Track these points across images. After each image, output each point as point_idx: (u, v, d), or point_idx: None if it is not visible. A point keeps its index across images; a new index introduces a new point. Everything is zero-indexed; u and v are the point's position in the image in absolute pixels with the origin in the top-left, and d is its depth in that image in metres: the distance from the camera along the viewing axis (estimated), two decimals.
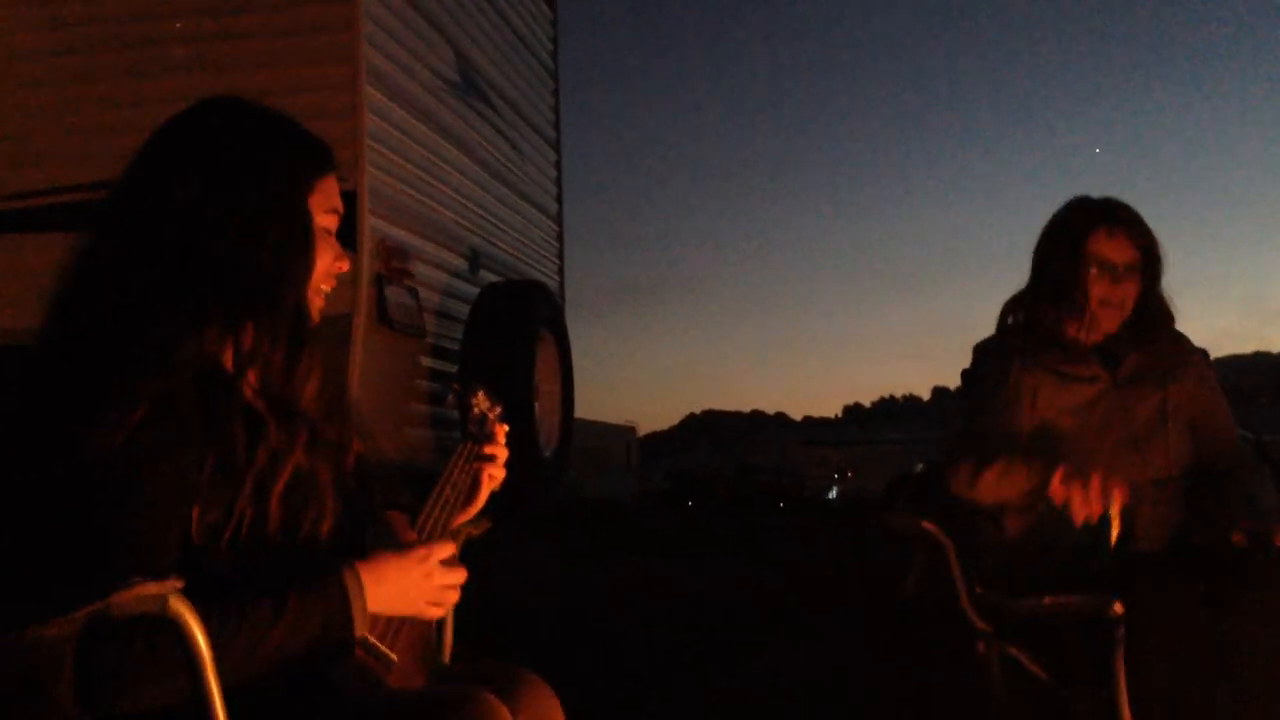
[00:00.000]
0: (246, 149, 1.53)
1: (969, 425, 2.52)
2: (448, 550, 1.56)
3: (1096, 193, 2.58)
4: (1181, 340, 2.60)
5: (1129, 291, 2.51)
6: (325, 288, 1.61)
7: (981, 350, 2.64)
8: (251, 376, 1.51)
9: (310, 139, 1.60)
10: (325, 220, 1.58)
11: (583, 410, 9.42)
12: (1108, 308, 2.50)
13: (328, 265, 1.60)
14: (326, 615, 1.40)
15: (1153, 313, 2.55)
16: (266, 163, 1.53)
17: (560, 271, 8.69)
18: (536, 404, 6.38)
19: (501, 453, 1.85)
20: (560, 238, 8.75)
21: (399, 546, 1.56)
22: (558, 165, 8.79)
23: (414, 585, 1.51)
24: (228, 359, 1.49)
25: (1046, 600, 2.32)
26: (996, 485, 2.37)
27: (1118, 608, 2.19)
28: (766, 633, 4.50)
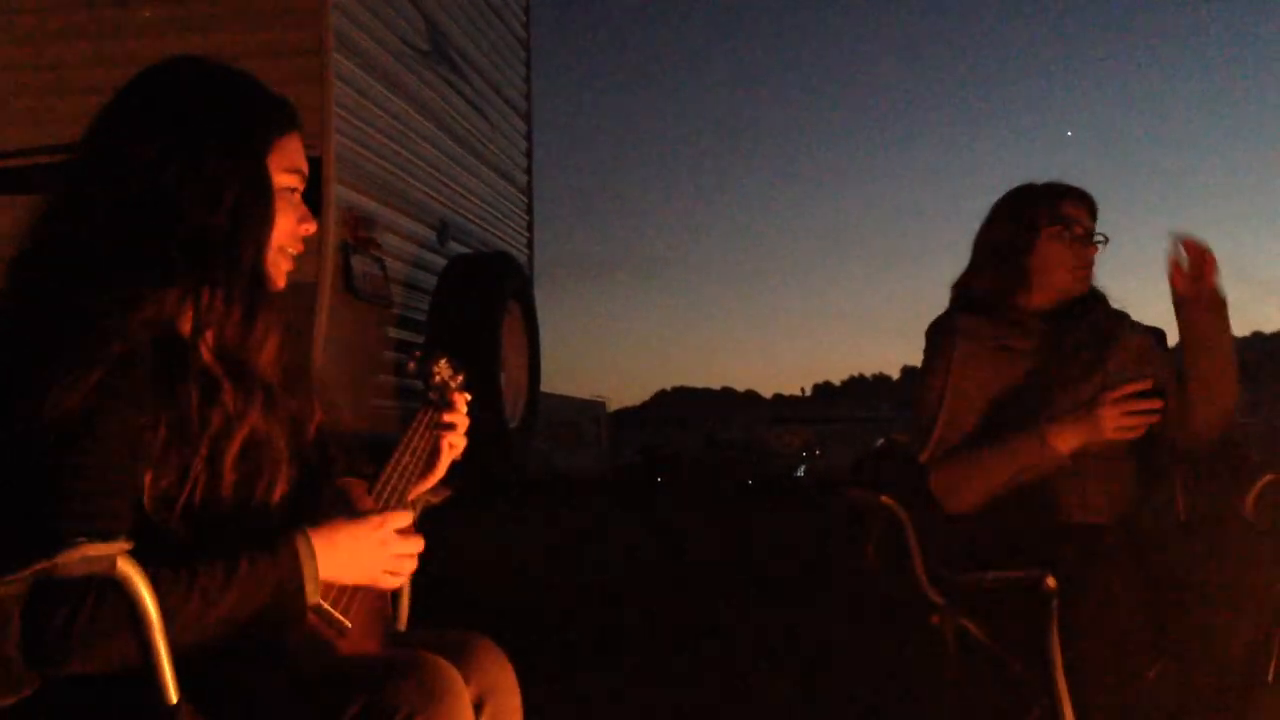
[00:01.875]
0: (204, 108, 1.52)
1: (923, 411, 2.54)
2: (404, 519, 1.55)
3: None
4: (1124, 318, 2.63)
5: (1092, 259, 2.56)
6: (292, 250, 1.60)
7: (929, 331, 2.65)
8: (209, 338, 1.51)
9: (270, 96, 1.58)
10: (286, 179, 1.57)
11: (553, 385, 9.42)
12: (1080, 273, 2.55)
13: (291, 226, 1.58)
14: (277, 581, 1.39)
15: (1107, 311, 2.61)
16: (223, 121, 1.52)
17: (530, 244, 8.66)
18: (503, 376, 6.38)
19: (462, 421, 1.84)
20: (530, 210, 8.72)
21: (354, 513, 1.56)
22: (528, 137, 8.75)
23: (368, 552, 1.50)
24: (186, 320, 1.48)
25: (990, 575, 2.38)
26: (981, 489, 2.45)
27: (1050, 582, 2.23)
28: (727, 603, 4.53)
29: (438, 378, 1.84)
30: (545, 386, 7.38)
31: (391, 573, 1.54)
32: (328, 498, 1.65)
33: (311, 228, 1.62)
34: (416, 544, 1.56)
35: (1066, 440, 2.38)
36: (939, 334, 2.60)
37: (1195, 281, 2.41)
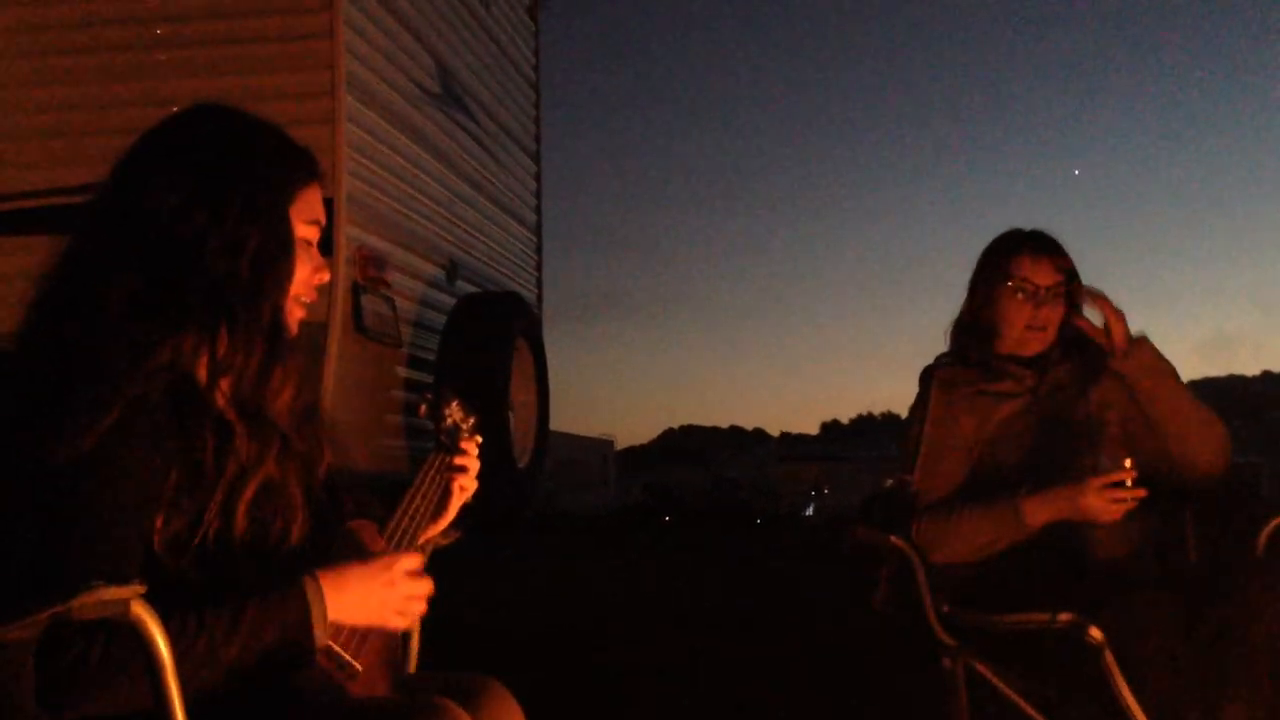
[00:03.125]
0: (231, 157, 1.54)
1: (905, 464, 2.58)
2: (414, 561, 1.55)
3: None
4: (1105, 362, 2.59)
5: (1053, 315, 2.57)
6: (305, 299, 1.61)
7: (922, 378, 2.69)
8: (225, 385, 1.51)
9: (295, 148, 1.60)
10: (306, 231, 1.59)
11: (561, 423, 9.41)
12: (1034, 330, 2.57)
13: (307, 276, 1.60)
14: (286, 623, 1.39)
15: (1076, 332, 2.60)
16: (250, 171, 1.53)
17: (539, 283, 8.69)
18: (512, 416, 6.37)
19: (473, 464, 1.85)
20: (539, 249, 8.75)
21: (363, 555, 1.56)
22: (537, 177, 8.79)
23: (377, 594, 1.50)
24: (202, 367, 1.49)
25: (1006, 618, 2.33)
26: (961, 550, 2.47)
27: (1094, 632, 2.15)
28: (738, 643, 4.50)
29: (449, 420, 1.84)
30: (554, 425, 7.38)
31: (401, 614, 1.53)
32: (338, 540, 1.65)
33: (325, 277, 1.64)
34: (426, 586, 1.56)
35: (1040, 516, 2.43)
36: (921, 384, 2.66)
37: (1110, 340, 2.48)
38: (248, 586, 1.40)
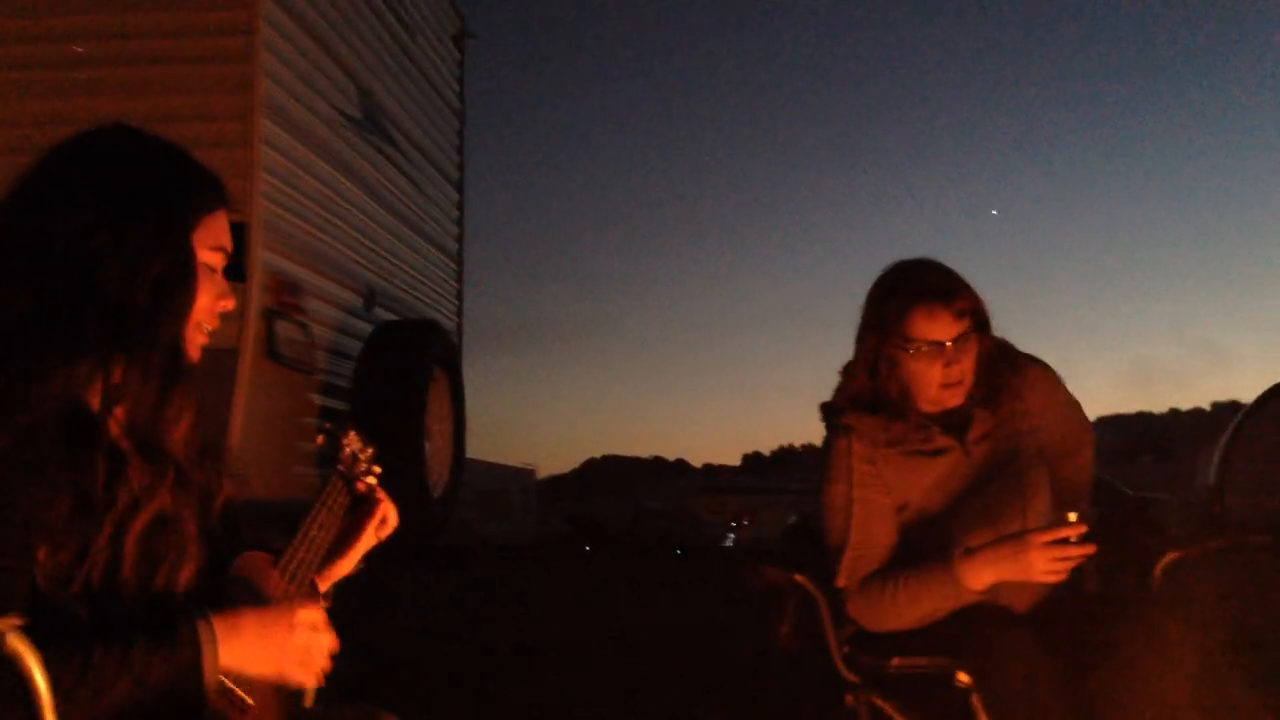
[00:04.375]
0: (133, 181, 1.51)
1: (833, 536, 2.41)
2: (314, 614, 1.51)
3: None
4: (1018, 368, 2.48)
5: (967, 364, 2.37)
6: (208, 326, 1.58)
7: (824, 416, 2.52)
8: (119, 414, 1.48)
9: (200, 173, 1.57)
10: (210, 257, 1.56)
11: (482, 452, 9.34)
12: (950, 388, 2.37)
13: (210, 304, 1.57)
14: (176, 666, 1.36)
15: (994, 363, 2.44)
16: (152, 196, 1.50)
17: (459, 311, 8.66)
18: (427, 444, 6.33)
19: (384, 500, 1.82)
20: (460, 278, 8.73)
21: (261, 601, 1.53)
22: (460, 205, 8.78)
23: (274, 643, 1.46)
24: (95, 394, 1.46)
25: (895, 661, 2.33)
26: (900, 623, 2.35)
27: (962, 676, 2.19)
28: (647, 679, 4.49)
29: (347, 450, 1.82)
30: (474, 454, 7.35)
31: (301, 665, 1.48)
32: (233, 584, 1.62)
33: (230, 304, 1.61)
34: (328, 640, 1.52)
35: (983, 579, 2.29)
36: (834, 432, 2.46)
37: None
38: (138, 622, 1.36)
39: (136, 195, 1.49)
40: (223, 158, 4.92)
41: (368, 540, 1.80)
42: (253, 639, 1.44)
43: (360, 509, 1.81)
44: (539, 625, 5.79)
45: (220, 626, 1.40)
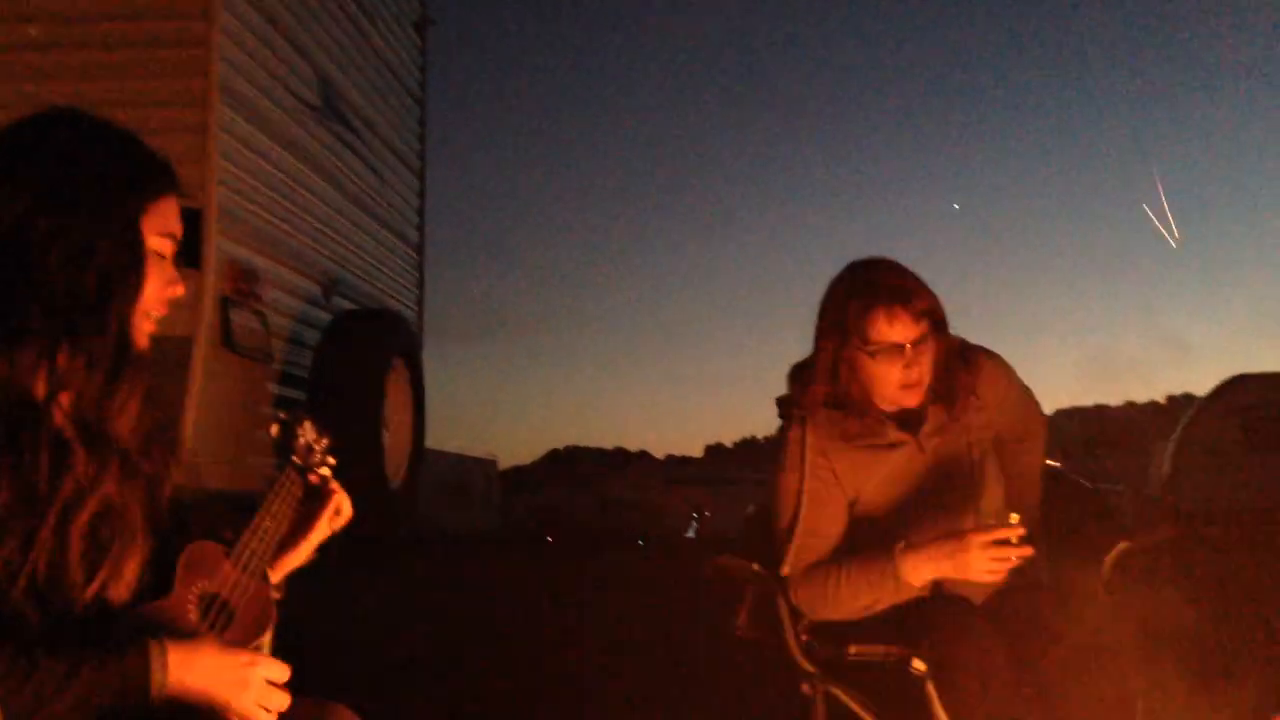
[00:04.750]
0: (81, 165, 1.48)
1: (781, 523, 2.45)
2: (278, 671, 1.51)
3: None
4: (971, 362, 2.51)
5: (925, 365, 2.41)
6: (156, 313, 1.57)
7: (781, 410, 2.55)
8: (64, 401, 1.46)
9: (149, 157, 1.55)
10: (158, 243, 1.54)
11: (444, 442, 9.29)
12: (908, 389, 2.41)
13: (158, 290, 1.55)
14: (124, 688, 1.35)
15: (950, 361, 2.46)
16: (100, 181, 1.48)
17: (420, 301, 8.61)
18: (385, 434, 6.30)
19: (338, 490, 1.81)
20: (421, 267, 8.68)
21: (227, 643, 1.51)
22: (421, 194, 8.73)
23: (226, 686, 1.44)
24: (40, 381, 1.43)
25: (852, 649, 2.37)
26: (841, 613, 2.40)
27: (917, 664, 2.24)
28: (608, 670, 4.49)
29: (302, 440, 1.80)
30: (436, 444, 7.32)
31: (249, 709, 1.48)
32: (182, 562, 1.60)
33: (179, 291, 1.59)
34: (281, 701, 1.50)
35: (922, 574, 2.34)
36: (789, 423, 2.49)
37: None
38: (84, 619, 1.36)
39: (82, 180, 1.47)
40: (179, 143, 4.86)
41: (321, 531, 1.79)
42: (204, 675, 1.42)
43: (314, 500, 1.80)
44: (499, 616, 5.77)
45: (175, 655, 1.39)
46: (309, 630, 1.71)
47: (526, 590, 6.98)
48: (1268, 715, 1.96)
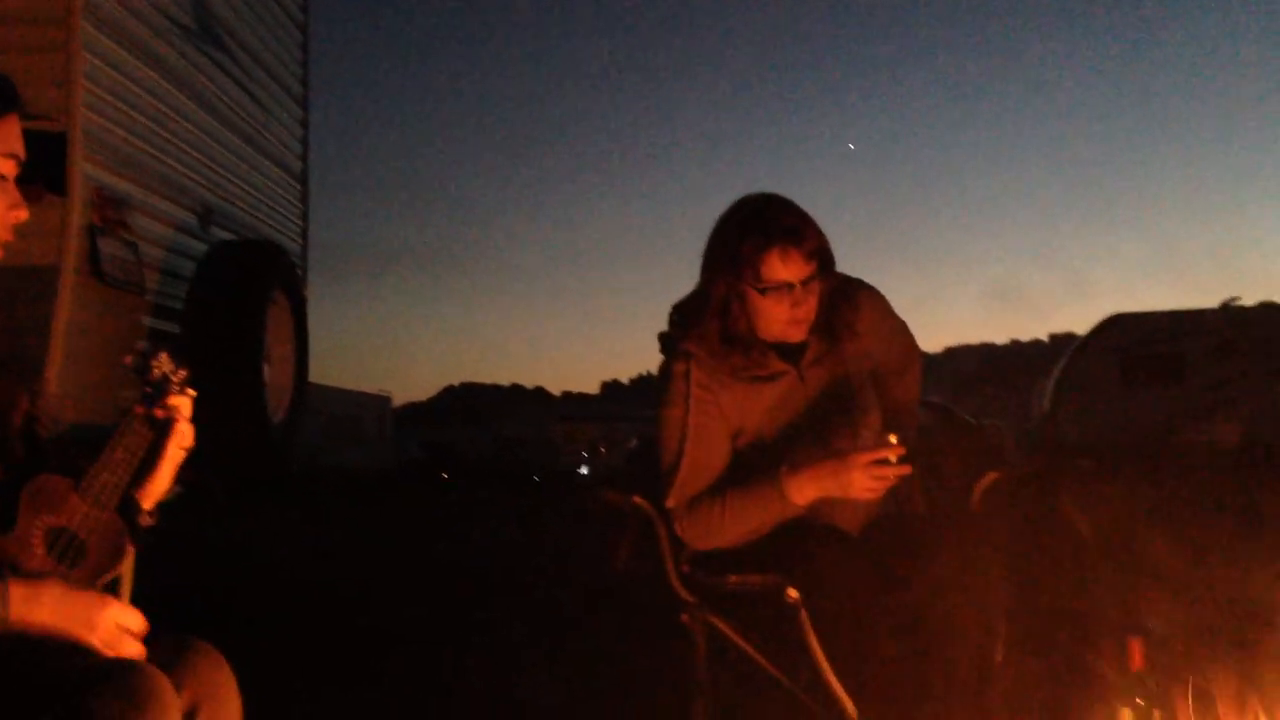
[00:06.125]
0: None
1: (666, 457, 2.46)
2: (130, 617, 1.52)
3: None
4: (848, 295, 2.54)
5: (812, 302, 2.44)
6: (2, 237, 1.52)
7: (662, 346, 2.57)
8: None
9: None
10: None
11: (336, 378, 9.12)
12: (795, 325, 2.44)
13: (1, 214, 1.51)
14: None
15: (834, 298, 2.50)
16: None
17: (304, 233, 8.41)
18: (266, 368, 6.14)
19: (184, 420, 1.77)
20: (305, 198, 8.47)
21: (79, 584, 1.51)
22: (304, 123, 8.50)
23: (73, 626, 1.45)
24: None
25: (731, 579, 2.42)
26: (728, 538, 2.43)
27: (791, 593, 2.29)
28: (490, 608, 4.47)
29: (156, 372, 1.76)
30: (327, 380, 7.17)
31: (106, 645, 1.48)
32: (27, 494, 1.56)
33: (23, 215, 1.54)
34: (132, 646, 1.51)
35: (806, 494, 2.38)
36: (672, 358, 2.51)
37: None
38: None
39: None
40: (41, 63, 4.62)
41: (174, 458, 1.76)
42: (48, 615, 1.43)
43: (165, 431, 1.76)
44: (386, 554, 5.70)
45: (16, 589, 1.39)
46: (178, 567, 1.66)
47: (416, 529, 6.93)
48: (1124, 635, 2.03)
